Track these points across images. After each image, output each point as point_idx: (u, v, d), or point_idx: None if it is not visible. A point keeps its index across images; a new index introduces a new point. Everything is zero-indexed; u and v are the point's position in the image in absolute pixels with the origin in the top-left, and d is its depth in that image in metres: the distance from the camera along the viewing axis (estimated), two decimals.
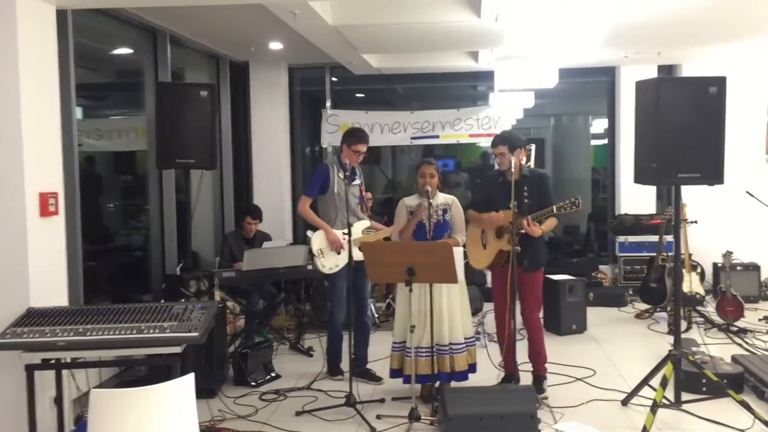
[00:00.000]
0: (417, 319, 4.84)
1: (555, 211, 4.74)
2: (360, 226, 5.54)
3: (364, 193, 5.66)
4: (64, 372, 4.04)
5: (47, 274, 4.25)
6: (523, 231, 4.80)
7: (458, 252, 4.67)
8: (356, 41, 6.94)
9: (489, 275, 7.99)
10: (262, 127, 9.04)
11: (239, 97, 9.04)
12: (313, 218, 5.48)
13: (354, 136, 5.48)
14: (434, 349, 4.87)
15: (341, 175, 5.44)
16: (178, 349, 3.59)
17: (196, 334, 3.56)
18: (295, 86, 9.59)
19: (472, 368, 5.09)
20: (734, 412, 4.51)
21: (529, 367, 5.24)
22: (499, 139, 5.06)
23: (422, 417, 4.57)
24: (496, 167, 5.21)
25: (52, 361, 3.80)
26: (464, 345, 4.99)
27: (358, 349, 5.50)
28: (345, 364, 5.45)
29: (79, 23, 5.32)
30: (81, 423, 4.45)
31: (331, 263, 5.41)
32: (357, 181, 5.53)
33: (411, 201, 5.18)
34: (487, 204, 5.14)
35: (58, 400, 3.95)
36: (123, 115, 7.23)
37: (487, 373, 5.29)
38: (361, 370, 5.47)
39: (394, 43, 7.24)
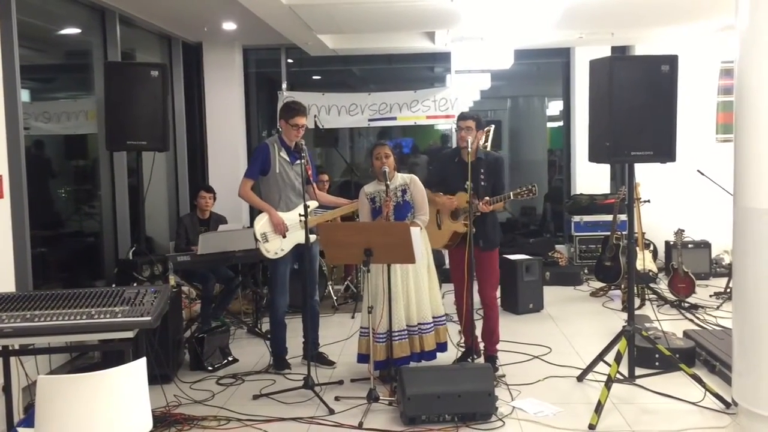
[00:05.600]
0: (378, 300, 4.84)
1: (512, 197, 4.84)
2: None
3: (310, 173, 5.36)
4: (12, 359, 3.92)
5: None
6: (478, 214, 4.90)
7: (416, 232, 4.66)
8: (311, 21, 6.85)
9: (447, 256, 8.08)
10: (216, 110, 8.90)
11: (193, 79, 8.88)
12: (256, 201, 5.25)
13: (290, 109, 5.18)
14: (406, 331, 4.89)
15: (283, 155, 5.21)
16: (130, 334, 3.51)
17: (148, 318, 3.48)
18: (250, 68, 9.45)
19: (442, 347, 5.14)
20: (686, 386, 4.61)
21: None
22: (468, 114, 5.12)
23: (381, 397, 4.56)
24: (455, 144, 5.23)
25: None
26: (432, 324, 5.04)
27: (310, 333, 5.25)
28: (290, 356, 5.43)
29: (23, 1, 5.13)
30: (31, 411, 4.33)
31: (275, 248, 5.16)
32: (301, 161, 5.01)
33: (370, 188, 5.14)
34: (442, 183, 5.21)
35: (7, 389, 3.83)
36: (72, 98, 7.02)
37: (445, 352, 5.30)
38: (314, 354, 5.36)
39: (350, 23, 7.16)
